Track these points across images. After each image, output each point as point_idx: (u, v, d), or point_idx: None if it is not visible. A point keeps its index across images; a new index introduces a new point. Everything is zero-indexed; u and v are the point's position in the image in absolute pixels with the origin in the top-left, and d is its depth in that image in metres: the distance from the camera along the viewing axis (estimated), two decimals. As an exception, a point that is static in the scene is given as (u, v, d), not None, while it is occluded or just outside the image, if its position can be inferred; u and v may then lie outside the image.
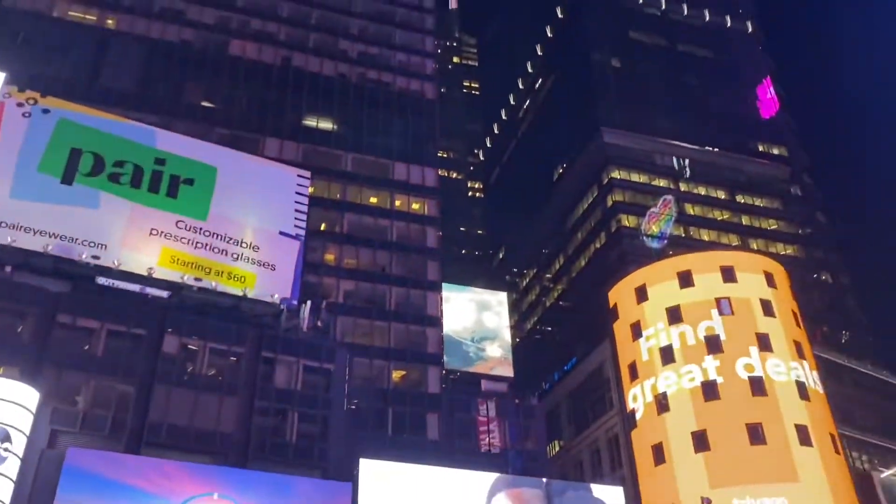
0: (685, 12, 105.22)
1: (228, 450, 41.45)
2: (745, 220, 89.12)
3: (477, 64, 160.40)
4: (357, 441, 46.59)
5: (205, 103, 63.30)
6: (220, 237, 49.77)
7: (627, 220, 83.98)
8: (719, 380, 50.01)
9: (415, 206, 65.18)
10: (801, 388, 49.98)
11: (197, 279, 47.40)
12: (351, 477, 41.36)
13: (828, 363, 58.08)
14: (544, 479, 46.21)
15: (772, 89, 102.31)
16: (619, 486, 48.87)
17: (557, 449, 67.03)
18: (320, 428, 44.88)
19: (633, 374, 54.63)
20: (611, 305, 59.07)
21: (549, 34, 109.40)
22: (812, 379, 51.34)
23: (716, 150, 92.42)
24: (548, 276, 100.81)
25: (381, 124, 68.00)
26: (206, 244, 49.13)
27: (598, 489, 47.10)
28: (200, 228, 49.51)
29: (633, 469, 52.39)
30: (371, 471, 41.74)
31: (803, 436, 47.76)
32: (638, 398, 53.49)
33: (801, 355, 51.92)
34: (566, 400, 68.00)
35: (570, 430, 66.23)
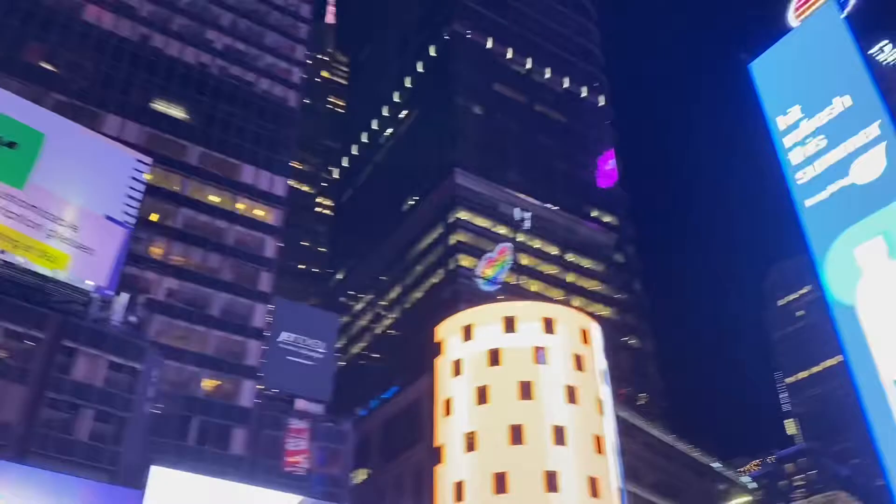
0: (546, 76, 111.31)
1: (7, 442, 37.80)
2: (570, 278, 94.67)
3: (346, 83, 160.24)
4: (155, 447, 44.09)
5: (45, 65, 58.58)
6: (35, 210, 45.86)
7: (466, 261, 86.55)
8: (526, 425, 52.27)
9: (258, 212, 63.55)
10: (598, 443, 53.32)
11: (1, 251, 43.28)
12: (142, 485, 38.97)
13: (624, 422, 62.43)
14: (345, 506, 45.92)
15: (612, 162, 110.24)
16: (417, 519, 49.48)
17: (364, 477, 66.85)
18: (116, 429, 42.12)
19: (447, 410, 55.86)
20: (436, 340, 60.29)
21: (420, 69, 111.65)
22: (609, 436, 54.95)
23: (555, 208, 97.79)
24: (382, 303, 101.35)
25: (236, 123, 66.04)
26: (19, 215, 45.09)
27: (395, 520, 47.41)
28: (14, 197, 45.41)
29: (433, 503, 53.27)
30: (162, 479, 39.55)
31: (593, 487, 50.86)
32: (448, 434, 54.69)
33: (601, 411, 55.49)
34: (380, 428, 68.18)
35: (379, 459, 66.39)
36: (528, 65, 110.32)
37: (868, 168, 51.63)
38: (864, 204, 50.70)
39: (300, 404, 56.33)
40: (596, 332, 59.82)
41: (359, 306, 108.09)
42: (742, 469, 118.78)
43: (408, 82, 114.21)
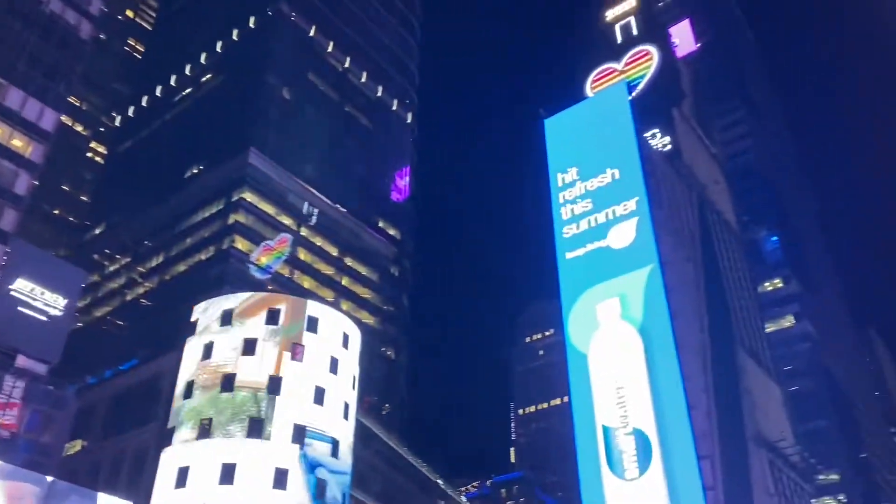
0: (362, 79, 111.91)
1: None
2: (344, 281, 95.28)
3: (151, 28, 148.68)
4: None
5: None
6: None
7: (241, 244, 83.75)
8: (267, 420, 51.45)
9: (16, 142, 56.84)
10: (335, 447, 53.84)
11: None
12: None
13: (363, 428, 63.70)
14: (50, 478, 42.01)
15: (408, 178, 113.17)
16: (130, 501, 46.54)
17: (78, 449, 61.61)
18: None
19: (188, 393, 53.35)
20: (192, 319, 57.53)
21: (235, 37, 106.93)
22: (347, 441, 55.76)
23: (344, 210, 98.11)
24: (140, 269, 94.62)
25: (13, 40, 58.70)
26: None
27: (105, 499, 44.24)
28: None
29: (151, 487, 50.44)
30: None
31: (320, 488, 51.21)
32: (181, 416, 52.21)
33: (346, 416, 56.21)
34: (109, 400, 63.38)
35: (101, 433, 61.60)
36: (347, 64, 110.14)
37: (621, 236, 57.95)
38: (613, 266, 56.84)
39: (21, 360, 50.79)
40: (356, 337, 60.63)
41: (113, 267, 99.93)
42: (462, 489, 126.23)
43: (219, 47, 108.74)
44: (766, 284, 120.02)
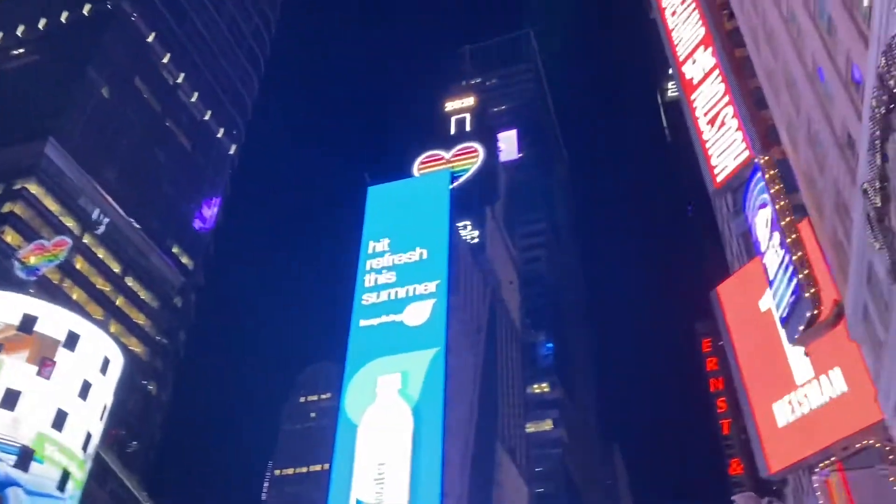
0: (192, 98, 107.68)
1: None
2: (119, 301, 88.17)
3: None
4: None
5: None
6: None
7: (11, 236, 75.34)
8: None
9: None
10: (64, 478, 48.55)
11: None
12: None
13: (102, 464, 58.20)
14: None
15: (216, 210, 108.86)
16: None
17: None
18: None
19: None
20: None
21: (63, 19, 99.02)
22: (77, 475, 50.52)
23: (138, 227, 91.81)
24: None
25: None
26: None
27: None
28: None
29: None
30: None
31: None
32: None
33: (85, 447, 51.06)
34: None
35: None
36: (180, 80, 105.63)
37: (417, 314, 59.50)
38: (402, 342, 57.95)
39: None
40: (118, 364, 55.98)
41: None
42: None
43: (42, 24, 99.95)
44: (535, 387, 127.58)
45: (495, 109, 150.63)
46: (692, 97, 35.71)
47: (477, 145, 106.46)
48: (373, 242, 65.58)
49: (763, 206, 28.68)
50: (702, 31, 35.99)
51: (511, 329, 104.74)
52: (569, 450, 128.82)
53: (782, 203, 26.65)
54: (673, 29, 39.00)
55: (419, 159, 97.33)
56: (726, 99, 32.97)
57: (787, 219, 26.46)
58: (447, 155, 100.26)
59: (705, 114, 34.37)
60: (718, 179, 33.30)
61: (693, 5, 37.29)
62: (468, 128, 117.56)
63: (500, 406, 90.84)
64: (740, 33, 34.17)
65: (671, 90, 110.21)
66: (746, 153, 31.21)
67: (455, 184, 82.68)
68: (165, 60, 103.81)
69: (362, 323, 60.91)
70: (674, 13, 39.18)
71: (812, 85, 22.99)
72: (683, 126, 42.33)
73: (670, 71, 50.11)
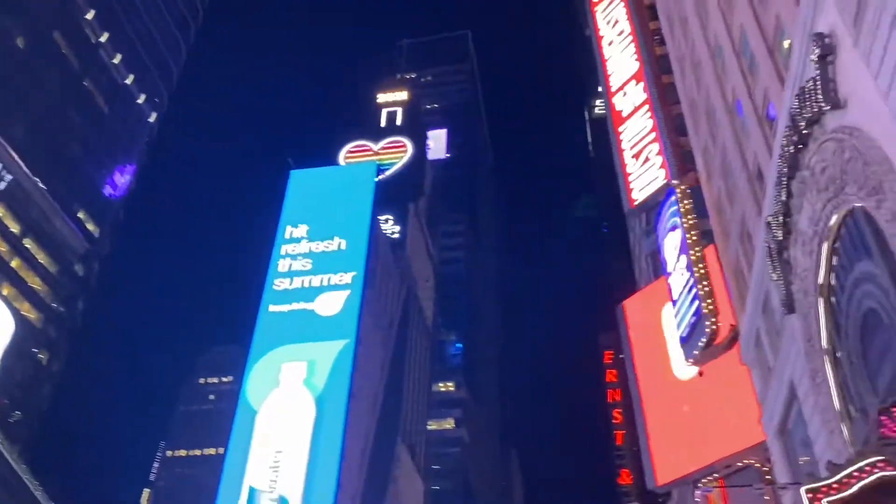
0: (115, 60, 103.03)
1: None
2: (14, 263, 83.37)
3: None
4: None
5: None
6: None
7: None
8: None
9: None
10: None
11: None
12: None
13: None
14: None
15: (130, 178, 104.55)
16: None
17: None
18: None
19: None
20: None
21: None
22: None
23: (44, 187, 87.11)
24: None
25: None
26: None
27: None
28: None
29: None
30: None
31: None
32: None
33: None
34: None
35: None
36: (103, 38, 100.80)
37: (329, 304, 58.94)
38: (311, 331, 57.28)
39: None
40: (6, 329, 53.22)
41: None
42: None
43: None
44: (441, 385, 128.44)
45: (428, 106, 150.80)
46: (620, 129, 36.49)
47: (406, 140, 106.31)
48: (290, 227, 64.53)
49: (673, 229, 29.81)
50: (636, 65, 36.51)
51: (423, 327, 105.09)
52: (468, 450, 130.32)
53: (694, 235, 27.78)
54: (608, 59, 39.58)
55: (346, 148, 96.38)
56: (653, 135, 33.71)
57: (695, 244, 27.62)
58: (375, 147, 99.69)
59: (631, 147, 35.18)
60: (635, 202, 34.35)
61: (630, 38, 37.87)
62: (399, 122, 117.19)
63: (404, 402, 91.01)
64: (668, 59, 35.35)
65: (598, 107, 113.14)
66: (664, 179, 32.32)
67: (381, 176, 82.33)
68: (89, 17, 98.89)
69: (272, 308, 59.85)
70: (610, 43, 39.74)
71: (730, 117, 24.04)
72: (607, 142, 43.45)
73: (599, 89, 51.31)
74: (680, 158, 32.41)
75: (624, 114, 36.60)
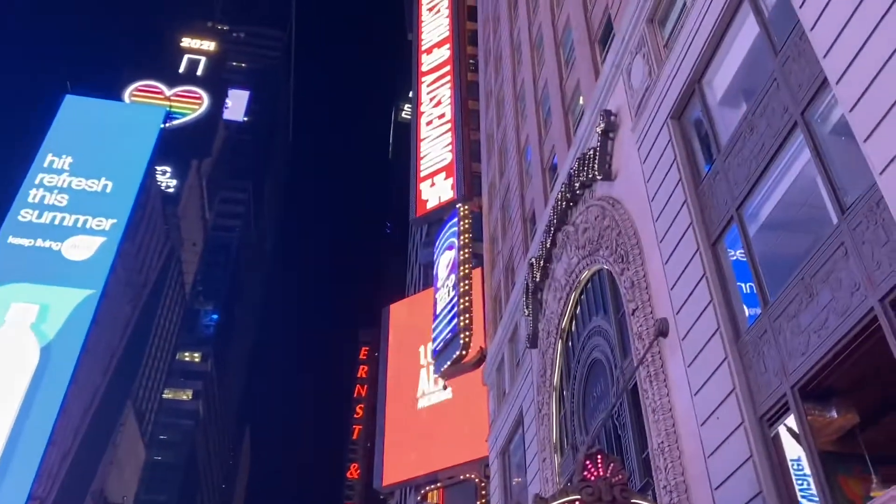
0: None
1: None
2: None
3: None
4: None
5: None
6: None
7: None
8: None
9: None
10: None
11: None
12: None
13: None
14: None
15: None
16: None
17: None
18: None
19: None
20: None
21: None
22: None
23: None
24: None
25: None
26: None
27: None
28: None
29: None
30: None
31: None
32: None
33: None
34: None
35: None
36: None
37: (80, 249, 53.94)
38: (53, 274, 51.97)
39: None
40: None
41: None
42: None
43: None
44: (186, 354, 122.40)
45: (234, 64, 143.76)
46: (421, 141, 37.56)
47: (204, 93, 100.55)
48: (52, 156, 58.24)
49: (450, 248, 31.37)
50: (448, 100, 37.22)
51: (180, 291, 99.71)
52: (201, 424, 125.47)
53: (466, 253, 29.45)
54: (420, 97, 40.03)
55: (135, 85, 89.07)
56: (449, 157, 35.11)
57: (466, 262, 29.31)
58: (168, 92, 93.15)
59: (428, 161, 36.34)
60: (420, 212, 35.64)
61: (448, 80, 38.41)
62: (200, 72, 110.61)
63: (142, 366, 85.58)
64: (476, 88, 37.17)
65: (406, 112, 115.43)
66: (451, 195, 33.89)
67: (168, 124, 77.04)
68: None
69: (12, 240, 53.48)
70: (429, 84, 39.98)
71: (520, 159, 25.91)
72: (406, 148, 44.47)
73: (410, 94, 52.44)
74: (470, 183, 34.21)
75: (426, 131, 37.78)
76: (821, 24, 8.71)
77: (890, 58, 7.53)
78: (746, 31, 10.97)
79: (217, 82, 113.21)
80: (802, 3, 9.11)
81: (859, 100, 7.90)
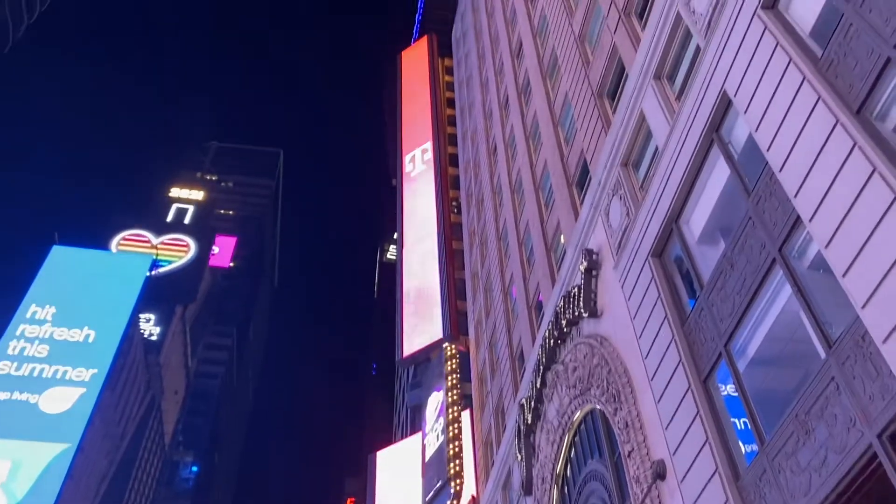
0: None
1: None
2: None
3: None
4: None
5: None
6: None
7: None
8: None
9: None
10: None
11: None
12: None
13: None
14: None
15: None
16: None
17: None
18: None
19: None
20: None
21: None
22: None
23: None
24: None
25: None
26: None
27: None
28: None
29: None
30: None
31: None
32: None
33: None
34: None
35: None
36: None
37: (57, 401, 52.49)
38: (27, 428, 50.13)
39: None
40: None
41: None
42: None
43: None
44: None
45: (222, 211, 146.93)
46: (405, 282, 37.93)
47: (191, 241, 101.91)
48: (35, 306, 57.90)
49: (438, 389, 30.85)
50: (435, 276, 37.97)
51: (159, 442, 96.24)
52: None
53: (455, 395, 28.93)
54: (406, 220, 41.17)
55: (122, 234, 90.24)
56: (435, 297, 35.36)
57: (454, 404, 28.70)
58: (155, 240, 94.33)
59: (412, 302, 36.51)
60: (406, 353, 35.28)
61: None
62: (188, 220, 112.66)
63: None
64: (461, 227, 37.99)
65: (390, 252, 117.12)
66: (438, 335, 33.71)
67: (154, 272, 77.42)
68: None
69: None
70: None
71: (505, 298, 26.06)
72: (392, 289, 44.63)
73: (395, 236, 53.37)
74: (456, 322, 34.13)
75: (410, 269, 38.15)
76: (788, 166, 9.10)
77: (857, 197, 7.81)
78: (718, 173, 11.42)
79: (204, 229, 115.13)
80: (769, 146, 9.55)
81: (833, 237, 8.12)
